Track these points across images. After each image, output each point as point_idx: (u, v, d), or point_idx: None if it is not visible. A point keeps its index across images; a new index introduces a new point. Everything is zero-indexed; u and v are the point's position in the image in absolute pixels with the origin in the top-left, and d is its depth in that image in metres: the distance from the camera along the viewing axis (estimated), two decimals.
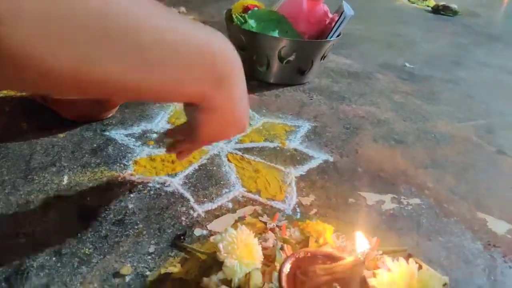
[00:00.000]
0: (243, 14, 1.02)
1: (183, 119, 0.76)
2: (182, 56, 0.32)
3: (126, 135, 0.69)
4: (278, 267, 0.41)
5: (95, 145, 0.65)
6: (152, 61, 0.30)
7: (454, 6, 2.33)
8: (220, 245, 0.43)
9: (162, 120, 0.76)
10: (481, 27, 2.17)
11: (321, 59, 0.98)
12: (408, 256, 0.49)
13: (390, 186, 0.64)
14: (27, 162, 0.60)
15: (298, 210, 0.56)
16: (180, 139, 0.52)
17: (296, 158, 0.69)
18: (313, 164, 0.67)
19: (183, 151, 0.53)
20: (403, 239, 0.53)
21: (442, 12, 2.33)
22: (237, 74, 0.38)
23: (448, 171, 0.71)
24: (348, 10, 0.94)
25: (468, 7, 2.63)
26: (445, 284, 0.43)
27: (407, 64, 1.29)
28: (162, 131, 0.72)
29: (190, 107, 0.41)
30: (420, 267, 0.45)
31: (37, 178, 0.56)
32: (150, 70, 0.30)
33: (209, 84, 0.36)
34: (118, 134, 0.69)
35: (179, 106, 0.81)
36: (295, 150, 0.71)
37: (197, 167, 0.63)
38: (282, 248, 0.47)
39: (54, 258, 0.44)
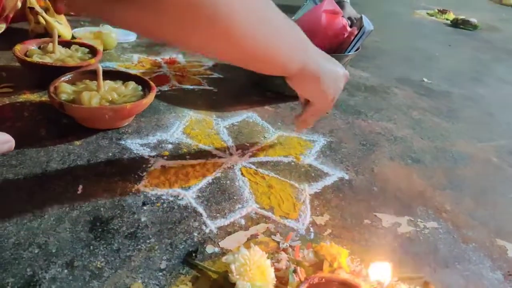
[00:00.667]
0: None
1: (198, 129, 0.76)
2: (291, 36, 0.50)
3: (141, 145, 0.69)
4: None
5: (110, 154, 0.65)
6: (279, 35, 0.48)
7: (473, 20, 2.30)
8: (233, 267, 0.42)
9: (178, 130, 0.75)
10: (502, 42, 2.13)
11: None
12: (424, 284, 0.48)
13: (407, 208, 0.63)
14: (44, 169, 0.60)
15: (311, 230, 0.55)
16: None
17: (311, 174, 0.68)
18: (328, 181, 0.66)
19: (296, 124, 0.71)
20: (420, 265, 0.52)
21: (461, 26, 2.30)
22: (311, 44, 0.54)
23: (466, 194, 0.69)
24: (367, 24, 0.93)
25: (488, 22, 2.59)
26: None
27: (425, 80, 1.28)
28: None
29: (297, 82, 0.58)
30: None
31: (52, 187, 0.57)
32: (279, 41, 0.48)
33: (303, 54, 0.53)
34: (133, 144, 0.69)
35: (194, 116, 0.81)
36: (310, 166, 0.70)
37: (210, 180, 0.62)
38: (295, 271, 0.46)
39: (66, 271, 0.44)
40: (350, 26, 1.01)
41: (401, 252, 0.54)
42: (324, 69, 0.56)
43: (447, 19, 2.46)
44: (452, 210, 0.64)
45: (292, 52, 0.51)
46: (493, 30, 2.43)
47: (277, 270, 0.46)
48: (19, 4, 1.05)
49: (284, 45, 0.49)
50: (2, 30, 1.04)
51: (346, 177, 0.68)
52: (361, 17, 0.97)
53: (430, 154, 0.81)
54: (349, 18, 1.11)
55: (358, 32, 0.94)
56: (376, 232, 0.57)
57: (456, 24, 2.33)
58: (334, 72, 0.59)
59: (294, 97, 0.95)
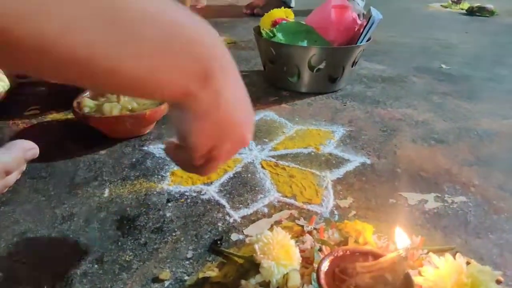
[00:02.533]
0: (272, 29, 1.03)
1: None
2: (168, 40, 0.28)
3: (163, 149, 0.71)
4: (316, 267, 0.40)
5: (134, 160, 0.67)
6: (133, 36, 0.26)
7: (490, 6, 2.25)
8: (256, 246, 0.42)
9: None
10: None
11: (352, 65, 0.97)
12: (455, 254, 0.46)
13: (433, 185, 0.61)
14: (71, 178, 0.62)
15: (336, 212, 0.55)
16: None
17: (332, 162, 0.67)
18: (349, 167, 0.66)
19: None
20: (450, 238, 0.51)
21: (477, 14, 2.26)
22: (229, 76, 0.33)
23: (495, 168, 0.67)
24: (376, 14, 0.93)
25: (506, 7, 2.53)
26: (498, 280, 0.41)
27: (443, 66, 1.25)
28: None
29: (178, 114, 0.34)
30: (468, 263, 0.42)
31: (80, 192, 0.59)
32: (128, 44, 0.26)
33: (194, 79, 0.31)
34: (155, 149, 0.71)
35: None
36: (330, 154, 0.70)
37: (231, 175, 0.63)
38: (320, 250, 0.45)
39: (96, 266, 0.46)
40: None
41: (429, 226, 0.52)
42: (223, 108, 0.34)
43: (462, 9, 2.42)
44: (481, 184, 0.62)
45: (167, 71, 0.29)
46: (511, 15, 2.37)
47: (302, 251, 0.46)
48: None
49: (152, 60, 0.28)
50: None
51: (368, 161, 0.68)
52: (369, 9, 0.98)
53: (453, 134, 0.79)
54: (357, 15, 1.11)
55: (367, 23, 0.94)
56: (402, 210, 0.56)
57: (472, 12, 2.29)
58: (232, 121, 0.35)
59: (310, 93, 0.96)
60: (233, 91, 0.35)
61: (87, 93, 0.77)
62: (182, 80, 0.30)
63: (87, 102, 0.74)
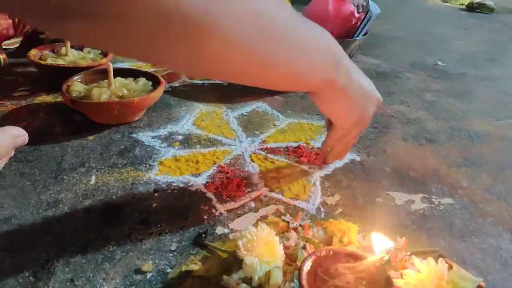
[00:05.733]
0: None
1: (208, 121, 0.77)
2: (311, 47, 0.40)
3: (153, 137, 0.70)
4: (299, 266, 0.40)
5: (122, 147, 0.67)
6: (293, 51, 0.38)
7: (490, 3, 2.24)
8: (240, 243, 0.42)
9: (188, 122, 0.76)
10: None
11: None
12: (438, 257, 0.46)
13: (420, 186, 0.62)
14: (58, 163, 0.62)
15: (322, 209, 0.55)
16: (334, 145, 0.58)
17: (321, 157, 0.67)
18: (339, 163, 0.66)
19: (322, 150, 0.61)
20: (434, 240, 0.51)
21: (477, 10, 2.25)
22: (345, 56, 0.45)
23: (483, 170, 0.67)
24: (374, 8, 0.93)
25: (505, 4, 2.52)
26: (479, 286, 0.41)
27: (439, 63, 1.25)
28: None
29: (322, 105, 0.50)
30: (450, 268, 0.43)
31: (66, 178, 0.58)
32: (294, 59, 0.39)
33: (332, 67, 0.43)
34: (145, 136, 0.70)
35: (204, 108, 0.82)
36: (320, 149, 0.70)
37: (220, 167, 0.63)
38: (304, 247, 0.45)
39: (79, 255, 0.45)
40: (358, 12, 1.00)
41: (414, 228, 0.53)
42: (355, 84, 0.47)
43: (462, 4, 2.40)
44: (469, 186, 0.62)
45: (314, 66, 0.42)
46: (510, 12, 2.36)
47: (286, 248, 0.46)
48: None
49: (302, 58, 0.40)
50: (18, 43, 1.08)
51: (358, 158, 0.68)
52: (367, 2, 0.97)
53: (445, 134, 0.79)
54: (357, 6, 1.10)
55: (365, 16, 0.93)
56: (388, 210, 0.56)
57: (472, 8, 2.28)
58: (365, 89, 0.49)
59: None
60: (354, 69, 0.47)
61: (78, 77, 0.75)
62: (327, 72, 0.43)
63: (76, 86, 0.72)
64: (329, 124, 0.56)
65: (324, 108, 0.51)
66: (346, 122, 0.52)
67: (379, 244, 0.42)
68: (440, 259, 0.42)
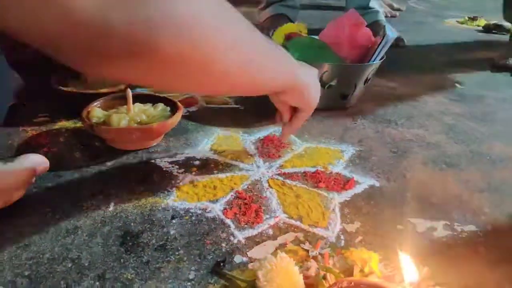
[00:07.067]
0: (284, 43, 1.03)
1: (225, 145, 0.77)
2: (278, 56, 0.51)
3: (170, 163, 0.71)
4: None
5: (140, 173, 0.67)
6: (269, 63, 0.48)
7: (507, 24, 2.23)
8: (259, 273, 0.42)
9: (205, 147, 0.77)
10: None
11: (364, 83, 0.96)
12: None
13: (442, 212, 0.60)
14: (77, 189, 0.62)
15: (342, 237, 0.54)
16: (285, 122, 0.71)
17: (340, 183, 0.66)
18: (358, 189, 0.65)
19: (286, 133, 0.73)
20: (459, 269, 0.49)
21: (494, 31, 2.23)
22: (302, 65, 0.60)
23: (507, 195, 0.65)
24: (390, 32, 0.93)
25: None
26: None
27: (458, 86, 1.24)
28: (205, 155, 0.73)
29: (279, 98, 0.63)
30: None
31: (85, 205, 0.59)
32: (269, 70, 0.49)
33: (292, 72, 0.55)
34: (162, 162, 0.71)
35: (221, 133, 0.83)
36: (339, 175, 0.69)
37: (238, 193, 0.62)
38: (325, 277, 0.44)
39: (97, 283, 0.45)
40: (374, 36, 1.01)
41: (438, 256, 0.51)
42: (309, 79, 0.60)
43: (478, 25, 2.39)
44: (492, 212, 0.61)
45: (281, 74, 0.53)
46: None
47: (306, 277, 0.45)
48: None
49: (274, 71, 0.51)
50: None
51: (377, 184, 0.67)
52: (384, 26, 0.97)
53: (466, 158, 0.78)
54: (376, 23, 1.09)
55: (382, 40, 0.93)
56: (410, 237, 0.55)
57: (488, 29, 2.26)
58: (314, 75, 0.63)
59: (319, 110, 0.95)
60: (304, 64, 0.61)
61: (97, 102, 0.77)
62: (288, 76, 0.55)
63: (96, 112, 0.74)
64: (286, 114, 0.69)
65: (293, 101, 0.64)
66: (314, 105, 0.65)
67: (408, 271, 0.41)
68: None
